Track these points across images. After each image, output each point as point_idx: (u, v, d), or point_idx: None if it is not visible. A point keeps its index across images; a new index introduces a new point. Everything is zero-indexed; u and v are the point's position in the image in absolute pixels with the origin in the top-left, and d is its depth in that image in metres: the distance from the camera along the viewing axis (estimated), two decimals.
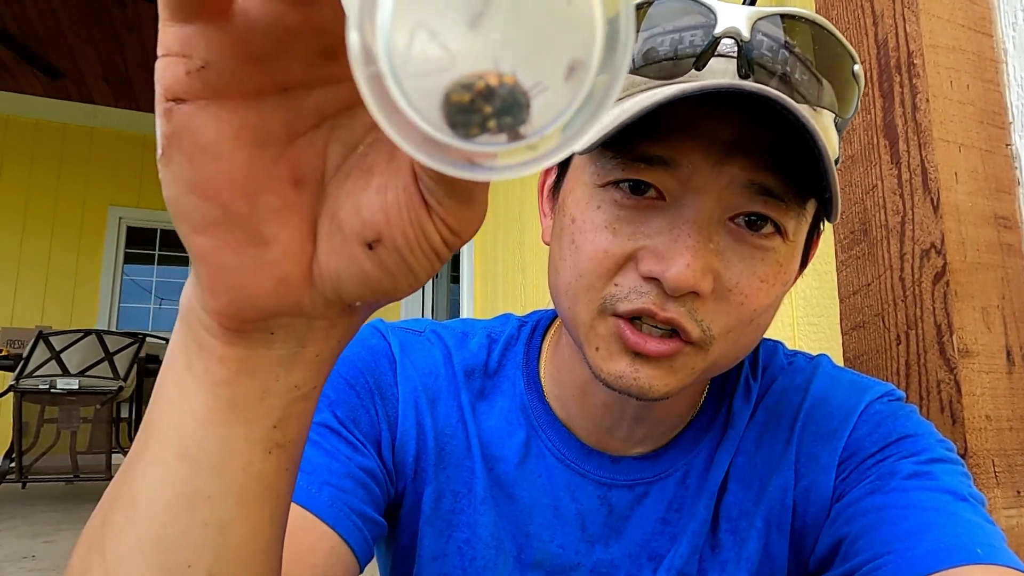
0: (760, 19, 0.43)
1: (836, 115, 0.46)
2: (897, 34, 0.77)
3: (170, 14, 0.22)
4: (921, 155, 0.73)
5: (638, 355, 0.44)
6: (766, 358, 0.58)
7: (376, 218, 0.25)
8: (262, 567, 0.29)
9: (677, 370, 0.44)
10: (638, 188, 0.44)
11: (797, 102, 0.42)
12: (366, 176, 0.25)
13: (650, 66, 0.44)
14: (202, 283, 0.25)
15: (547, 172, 0.55)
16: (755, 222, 0.44)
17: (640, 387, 0.44)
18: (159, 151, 0.24)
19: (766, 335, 0.57)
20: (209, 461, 0.27)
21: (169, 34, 0.22)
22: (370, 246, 0.25)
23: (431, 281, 4.10)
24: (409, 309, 4.00)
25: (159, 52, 0.23)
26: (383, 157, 0.25)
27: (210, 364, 0.26)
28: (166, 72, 0.22)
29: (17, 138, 5.31)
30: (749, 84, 0.39)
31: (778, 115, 0.39)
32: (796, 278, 0.52)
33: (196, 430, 0.27)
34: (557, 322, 0.60)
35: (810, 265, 0.53)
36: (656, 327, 0.43)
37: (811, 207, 0.47)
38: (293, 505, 0.45)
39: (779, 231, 0.44)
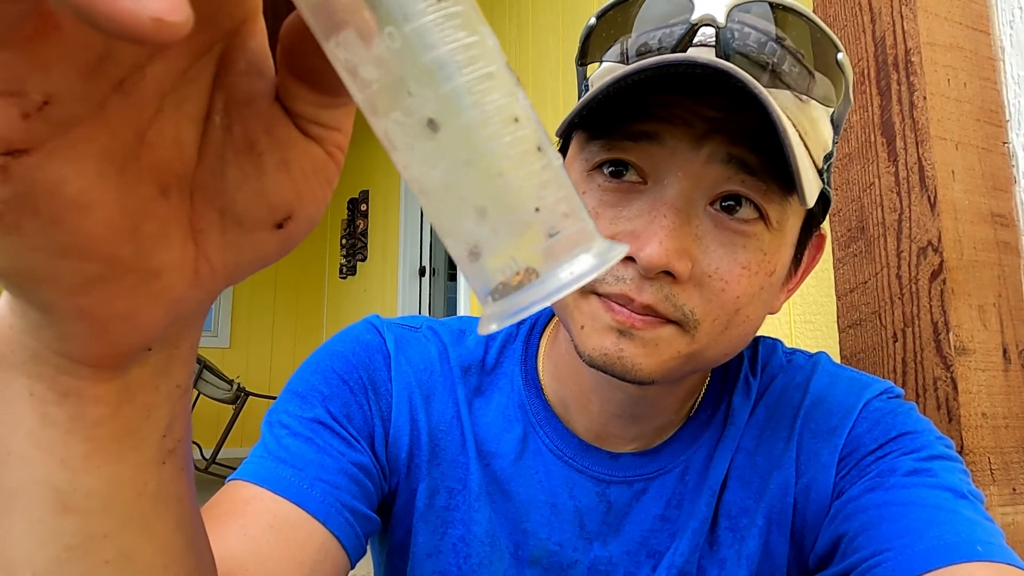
0: (736, 7, 0.43)
1: (833, 108, 0.47)
2: (895, 32, 0.77)
3: None
4: (918, 153, 0.73)
5: (623, 333, 0.44)
6: (765, 356, 0.58)
7: (287, 197, 0.22)
8: (181, 571, 0.27)
9: (662, 350, 0.44)
10: (619, 173, 0.45)
11: (778, 87, 0.43)
12: (253, 157, 0.21)
13: (639, 57, 0.45)
14: (74, 337, 0.21)
15: None
16: (735, 207, 0.44)
17: (624, 366, 0.44)
18: None
19: (764, 333, 0.57)
20: (99, 503, 0.24)
21: None
22: (280, 225, 0.22)
23: (428, 279, 4.09)
24: (405, 307, 3.99)
25: None
26: (258, 128, 0.21)
27: (81, 409, 0.22)
28: None
29: None
30: (702, 57, 0.40)
31: (753, 98, 0.39)
32: (796, 282, 0.51)
33: (74, 480, 0.23)
34: (555, 320, 0.59)
35: None
36: (635, 313, 0.43)
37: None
38: (284, 501, 0.45)
39: (761, 216, 0.44)
